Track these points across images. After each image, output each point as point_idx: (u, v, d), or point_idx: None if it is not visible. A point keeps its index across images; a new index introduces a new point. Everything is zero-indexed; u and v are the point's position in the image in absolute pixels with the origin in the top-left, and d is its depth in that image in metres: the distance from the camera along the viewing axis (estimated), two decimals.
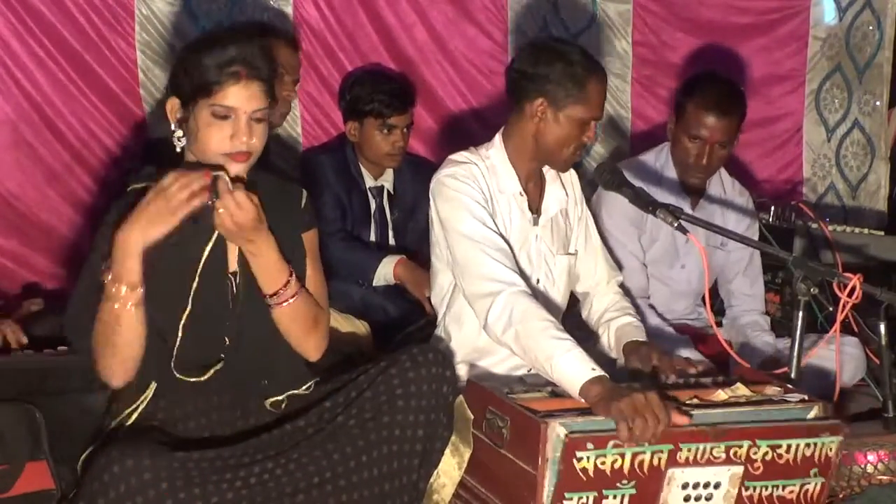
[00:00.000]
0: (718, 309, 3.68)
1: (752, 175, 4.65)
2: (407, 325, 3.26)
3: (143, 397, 2.29)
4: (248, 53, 2.22)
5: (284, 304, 2.30)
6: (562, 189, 2.88)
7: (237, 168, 2.23)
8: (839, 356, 2.83)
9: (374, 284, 3.42)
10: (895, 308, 2.69)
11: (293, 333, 2.35)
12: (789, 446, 2.29)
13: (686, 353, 3.16)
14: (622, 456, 2.18)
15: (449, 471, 2.40)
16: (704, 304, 3.08)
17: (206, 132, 2.21)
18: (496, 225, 2.66)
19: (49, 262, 3.54)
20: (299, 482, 2.20)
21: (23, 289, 3.47)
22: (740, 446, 2.25)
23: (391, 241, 3.61)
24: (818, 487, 2.34)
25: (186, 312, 2.25)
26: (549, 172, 2.87)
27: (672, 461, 2.22)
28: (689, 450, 2.22)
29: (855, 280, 2.53)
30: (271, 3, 3.81)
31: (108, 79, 3.60)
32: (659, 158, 3.54)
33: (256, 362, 2.35)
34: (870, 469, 2.64)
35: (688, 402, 2.40)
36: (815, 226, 3.88)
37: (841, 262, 3.55)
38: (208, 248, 2.29)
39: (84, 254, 3.50)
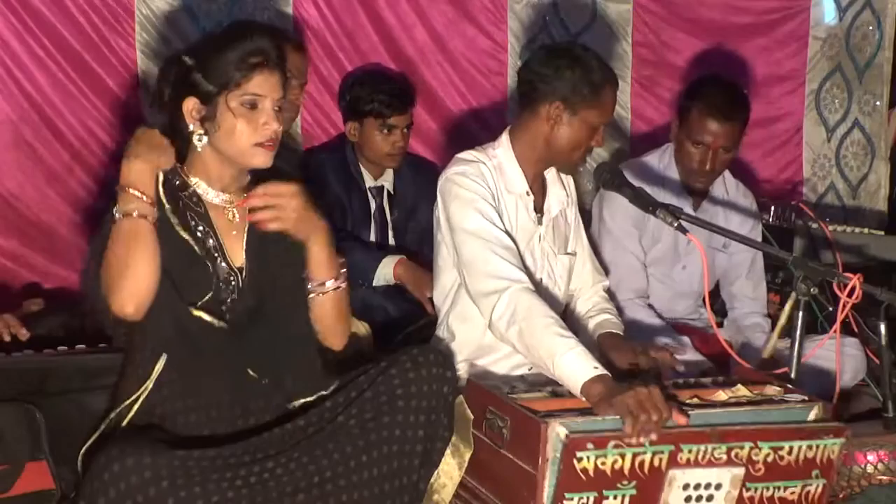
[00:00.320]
0: (719, 309, 3.68)
1: (752, 175, 4.65)
2: (407, 325, 3.25)
3: (147, 382, 2.28)
4: (266, 44, 2.27)
5: (336, 289, 2.39)
6: (563, 190, 2.90)
7: (266, 157, 2.29)
8: (839, 356, 2.83)
9: (374, 284, 3.41)
10: (895, 308, 2.68)
11: (328, 321, 2.41)
12: (791, 448, 2.29)
13: (688, 354, 3.18)
14: (622, 456, 2.18)
15: (449, 471, 2.40)
16: (705, 304, 3.08)
17: (237, 123, 2.25)
18: (503, 224, 2.66)
19: (49, 262, 3.54)
20: (300, 482, 2.20)
21: (23, 289, 3.47)
22: (742, 448, 2.25)
23: (391, 241, 3.61)
24: (819, 488, 2.34)
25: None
26: (549, 173, 2.88)
27: (673, 462, 2.21)
28: (689, 451, 2.22)
29: (855, 280, 2.53)
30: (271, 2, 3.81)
31: (108, 79, 3.60)
32: (662, 160, 3.54)
33: (265, 360, 2.36)
34: (870, 469, 2.64)
35: (688, 401, 2.40)
36: (815, 226, 3.88)
37: (841, 262, 3.55)
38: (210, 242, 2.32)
39: (84, 254, 3.52)
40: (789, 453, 2.29)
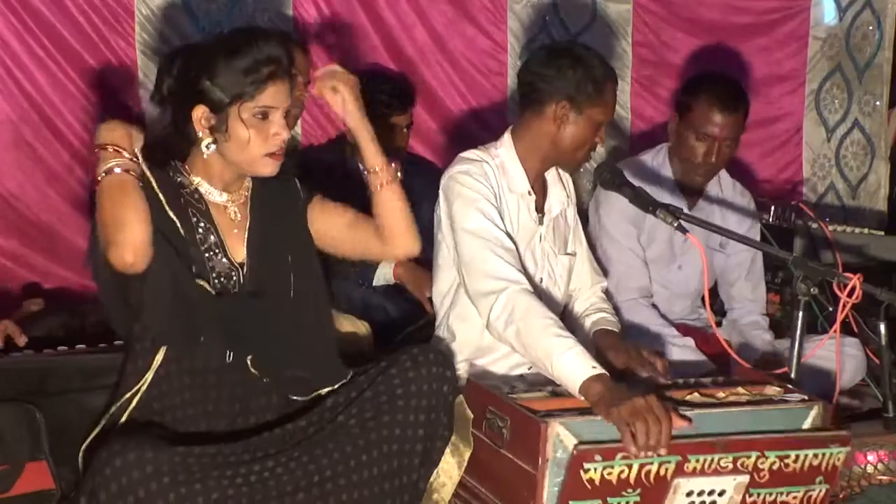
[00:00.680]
0: (718, 309, 3.68)
1: (752, 175, 4.66)
2: (407, 325, 3.26)
3: (147, 374, 2.28)
4: (277, 52, 2.26)
5: (396, 177, 2.45)
6: (563, 190, 2.91)
7: (274, 167, 2.32)
8: (839, 356, 2.83)
9: (374, 284, 3.41)
10: (895, 308, 2.68)
11: (400, 217, 2.47)
12: (798, 456, 2.28)
13: (690, 355, 3.18)
14: (629, 467, 2.17)
15: (449, 470, 2.40)
16: (704, 304, 3.08)
17: (249, 134, 2.26)
18: (504, 224, 2.67)
19: (49, 262, 3.55)
20: (300, 481, 2.21)
21: (23, 289, 3.47)
22: (748, 457, 2.24)
23: None
24: (822, 493, 2.34)
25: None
26: (550, 174, 2.88)
27: (679, 471, 2.21)
28: (696, 461, 2.21)
29: (855, 280, 2.53)
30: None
31: (108, 79, 3.60)
32: (656, 159, 3.53)
33: (266, 351, 2.36)
34: (870, 469, 2.64)
35: (687, 399, 2.40)
36: (815, 226, 3.88)
37: (841, 262, 3.55)
38: (212, 237, 2.33)
39: (84, 254, 3.52)
40: (795, 461, 2.28)
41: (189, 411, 2.31)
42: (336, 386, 2.40)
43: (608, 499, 2.18)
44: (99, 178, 2.22)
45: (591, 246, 3.38)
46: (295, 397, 2.41)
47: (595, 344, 2.78)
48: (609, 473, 2.16)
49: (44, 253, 3.54)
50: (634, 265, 3.44)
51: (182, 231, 2.29)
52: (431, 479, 2.38)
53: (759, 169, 4.76)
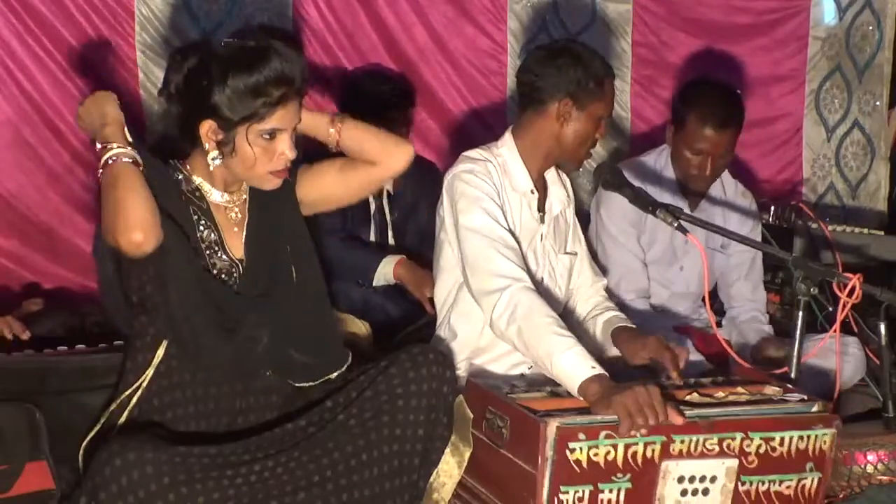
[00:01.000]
0: (718, 309, 3.68)
1: (752, 175, 4.65)
2: (407, 325, 3.26)
3: (148, 370, 2.29)
4: (289, 69, 2.25)
5: (341, 121, 2.43)
6: (562, 189, 2.92)
7: (277, 183, 2.34)
8: (839, 356, 2.83)
9: (374, 284, 3.42)
10: (895, 308, 2.69)
11: (374, 136, 2.46)
12: (783, 439, 2.30)
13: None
14: (615, 447, 2.19)
15: (449, 470, 2.40)
16: (704, 304, 3.08)
17: (255, 153, 2.26)
18: (507, 223, 2.67)
19: (49, 262, 3.54)
20: (300, 480, 2.21)
21: (23, 289, 3.47)
22: (733, 438, 2.26)
23: (391, 241, 3.61)
24: (815, 483, 2.35)
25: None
26: (549, 173, 2.89)
27: (665, 453, 2.22)
28: (682, 441, 2.23)
29: (855, 280, 2.53)
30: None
31: (108, 79, 3.60)
32: (658, 160, 3.54)
33: (280, 345, 2.37)
34: (870, 469, 2.64)
35: (686, 399, 2.40)
36: (815, 226, 3.88)
37: (841, 262, 3.55)
38: (209, 234, 2.34)
39: (84, 254, 3.52)
40: (781, 444, 2.30)
41: (190, 409, 2.31)
42: (343, 369, 2.43)
43: (599, 484, 2.19)
44: (99, 174, 2.21)
45: (591, 246, 3.39)
46: (301, 384, 2.43)
47: (615, 340, 2.78)
48: (595, 454, 2.17)
49: (44, 253, 3.54)
50: (634, 266, 3.44)
51: (184, 228, 2.30)
52: (431, 479, 2.39)
53: (759, 169, 4.76)
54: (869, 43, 4.93)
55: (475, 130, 4.15)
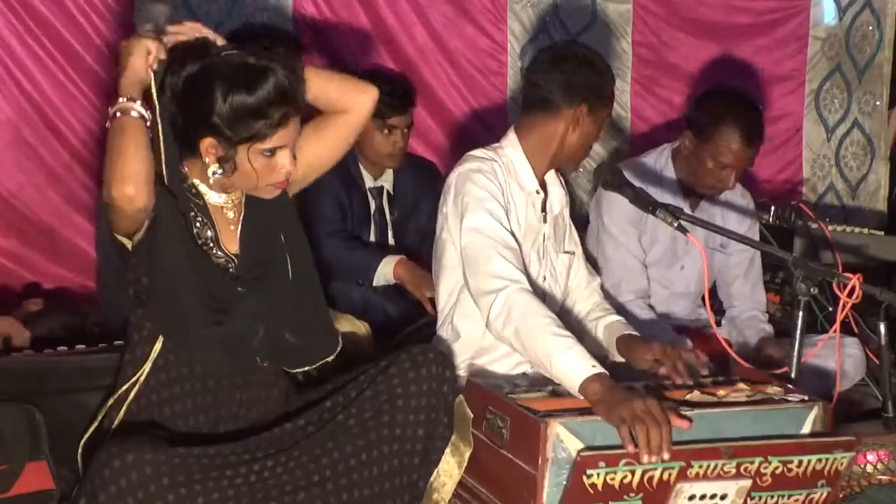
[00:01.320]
0: (718, 309, 3.69)
1: (751, 175, 4.64)
2: (407, 325, 3.26)
3: (145, 364, 2.28)
4: (288, 87, 2.23)
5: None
6: (561, 189, 2.92)
7: (276, 193, 2.34)
8: (839, 356, 2.83)
9: (374, 284, 3.42)
10: (895, 308, 2.68)
11: (334, 80, 2.45)
12: (801, 462, 2.27)
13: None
14: (632, 473, 2.16)
15: (449, 470, 2.40)
16: (704, 304, 3.08)
17: (256, 169, 2.26)
18: (510, 223, 2.68)
19: (49, 262, 3.55)
20: (300, 480, 2.21)
21: (23, 289, 3.47)
22: (752, 462, 2.23)
23: (391, 241, 3.61)
24: (824, 496, 2.33)
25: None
26: (549, 173, 2.89)
27: (682, 477, 2.20)
28: (700, 466, 2.20)
29: (855, 280, 2.53)
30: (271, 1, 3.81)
31: (109, 79, 3.60)
32: (659, 160, 3.54)
33: (276, 334, 2.37)
34: (870, 469, 2.64)
35: (687, 398, 2.40)
36: (815, 226, 3.88)
37: (841, 262, 3.55)
38: (207, 231, 2.34)
39: (84, 254, 3.53)
40: (798, 466, 2.27)
41: (188, 403, 2.31)
42: (334, 355, 2.45)
43: (610, 503, 2.18)
44: (109, 122, 2.19)
45: (588, 246, 3.39)
46: (296, 370, 2.44)
47: (620, 349, 2.78)
48: (612, 479, 2.15)
49: (44, 253, 3.54)
50: (633, 267, 3.44)
51: (178, 204, 2.30)
52: (431, 479, 2.39)
53: (759, 169, 4.75)
54: (869, 43, 4.93)
55: (475, 130, 4.15)
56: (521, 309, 2.48)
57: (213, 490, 2.10)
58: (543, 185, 2.87)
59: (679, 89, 4.56)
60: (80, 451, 2.30)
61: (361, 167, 3.58)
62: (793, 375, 2.66)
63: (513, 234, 2.67)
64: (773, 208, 3.99)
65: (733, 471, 2.22)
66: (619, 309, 3.21)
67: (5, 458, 2.42)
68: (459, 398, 2.42)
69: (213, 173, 2.28)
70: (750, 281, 3.62)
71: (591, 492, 2.14)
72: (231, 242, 2.38)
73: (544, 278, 2.83)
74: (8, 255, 3.49)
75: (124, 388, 2.29)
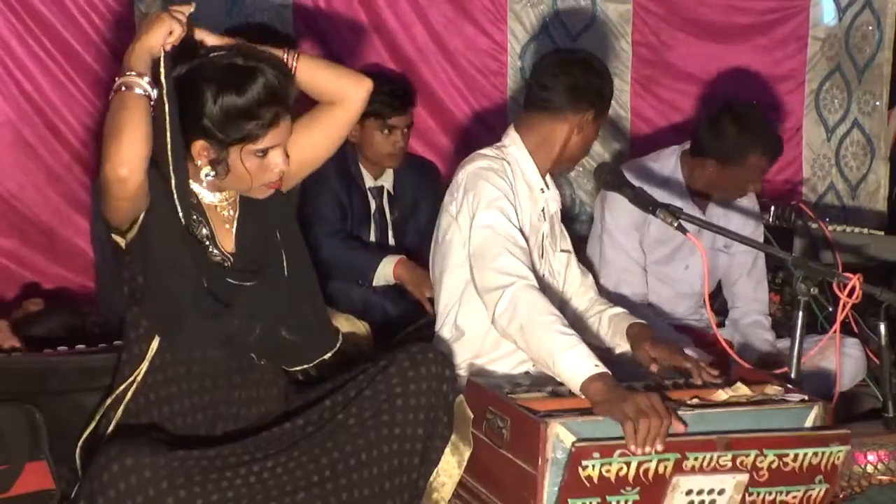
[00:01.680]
0: (720, 309, 3.69)
1: None
2: (406, 325, 3.26)
3: (143, 364, 2.28)
4: (277, 87, 2.22)
5: (296, 67, 2.33)
6: (556, 189, 2.93)
7: (269, 192, 2.33)
8: (839, 356, 2.83)
9: (374, 284, 3.42)
10: (895, 308, 2.69)
11: (329, 71, 2.42)
12: (797, 455, 2.28)
13: (688, 352, 3.17)
14: (628, 465, 2.17)
15: (449, 469, 2.40)
16: (706, 304, 3.08)
17: (249, 170, 2.25)
18: (517, 221, 2.68)
19: (49, 262, 3.54)
20: (299, 480, 2.21)
21: (23, 289, 3.47)
22: (747, 455, 2.24)
23: (391, 241, 3.61)
24: (822, 493, 2.34)
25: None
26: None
27: (678, 469, 2.21)
28: (695, 458, 2.21)
29: (855, 280, 2.53)
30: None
31: (108, 79, 3.60)
32: (667, 163, 3.54)
33: (274, 330, 2.37)
34: (870, 469, 2.64)
35: (689, 401, 2.40)
36: (815, 226, 3.88)
37: (841, 262, 3.55)
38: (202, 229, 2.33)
39: (83, 253, 3.52)
40: (794, 460, 2.28)
41: (186, 402, 2.30)
42: (332, 352, 2.45)
43: (607, 497, 2.19)
44: (112, 94, 2.14)
45: (590, 246, 3.40)
46: (293, 369, 2.43)
47: (632, 340, 2.78)
48: (607, 471, 2.16)
49: (44, 253, 3.54)
50: (633, 269, 3.45)
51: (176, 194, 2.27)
52: (431, 479, 2.39)
53: None
54: (869, 43, 4.93)
55: (475, 130, 4.15)
56: (527, 305, 2.49)
57: (212, 492, 2.10)
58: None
59: (679, 89, 4.56)
60: (77, 451, 2.29)
61: (361, 167, 3.58)
62: (793, 375, 2.66)
63: (522, 232, 2.68)
64: (773, 208, 4.01)
65: (729, 464, 2.23)
66: None
67: (5, 458, 2.42)
68: (459, 398, 2.42)
69: (206, 175, 2.27)
70: (753, 280, 3.63)
71: (588, 485, 2.15)
72: (227, 241, 2.38)
73: (544, 276, 2.84)
74: (8, 255, 3.49)
75: (122, 387, 2.28)
